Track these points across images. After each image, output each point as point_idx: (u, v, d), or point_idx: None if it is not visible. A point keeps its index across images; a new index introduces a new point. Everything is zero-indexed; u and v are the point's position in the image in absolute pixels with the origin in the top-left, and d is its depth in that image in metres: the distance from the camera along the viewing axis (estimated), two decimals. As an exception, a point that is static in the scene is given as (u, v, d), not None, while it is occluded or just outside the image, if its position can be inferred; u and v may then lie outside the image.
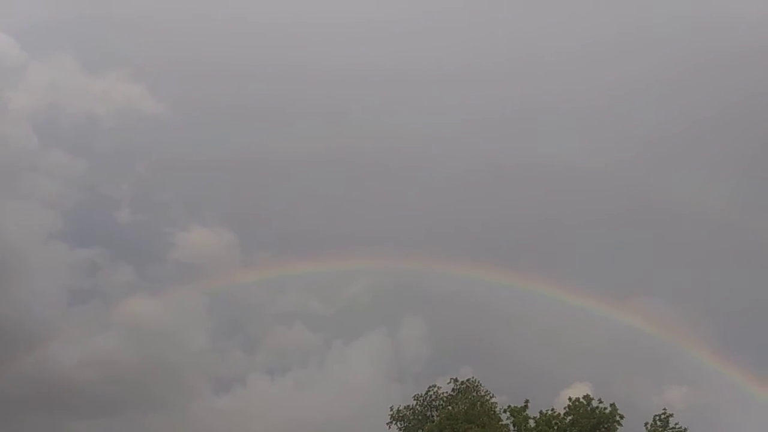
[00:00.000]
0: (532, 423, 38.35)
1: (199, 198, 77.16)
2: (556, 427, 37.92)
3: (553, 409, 38.93)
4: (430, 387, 41.04)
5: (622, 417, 37.82)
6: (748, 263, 69.03)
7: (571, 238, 76.69)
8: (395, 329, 69.28)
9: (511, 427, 38.54)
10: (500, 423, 38.43)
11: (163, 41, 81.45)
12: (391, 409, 40.67)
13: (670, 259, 73.13)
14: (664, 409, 37.98)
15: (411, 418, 39.87)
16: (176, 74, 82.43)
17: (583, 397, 38.79)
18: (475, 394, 39.85)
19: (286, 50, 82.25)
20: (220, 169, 78.05)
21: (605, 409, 37.94)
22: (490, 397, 40.00)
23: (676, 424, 36.91)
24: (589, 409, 38.16)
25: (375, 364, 66.78)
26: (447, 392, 40.37)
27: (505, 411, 38.97)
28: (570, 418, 38.21)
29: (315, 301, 71.69)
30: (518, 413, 38.63)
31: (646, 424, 37.45)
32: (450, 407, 39.25)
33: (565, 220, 77.96)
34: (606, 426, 37.61)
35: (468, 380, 40.55)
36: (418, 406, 40.28)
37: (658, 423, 36.96)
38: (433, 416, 39.77)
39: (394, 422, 40.06)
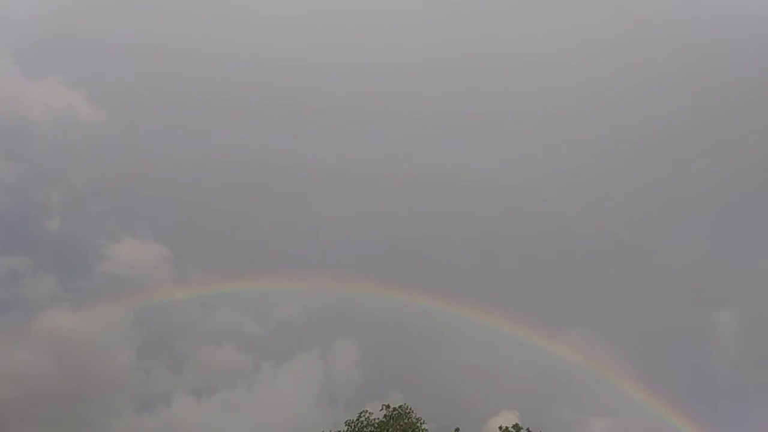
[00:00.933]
0: (462, 450, 38.52)
1: (133, 210, 75.41)
2: (485, 456, 38.13)
3: (483, 437, 39.33)
4: (361, 412, 40.52)
5: (550, 446, 38.29)
6: (675, 296, 71.61)
7: (507, 266, 77.98)
8: (327, 352, 68.79)
9: (441, 455, 38.62)
10: (430, 450, 38.36)
11: (105, 48, 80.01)
12: (322, 434, 40.14)
13: (601, 291, 75.19)
14: (591, 440, 38.43)
15: (340, 443, 39.30)
16: (118, 82, 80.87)
17: (513, 426, 39.07)
18: (406, 420, 39.53)
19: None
20: (158, 181, 76.65)
21: (535, 438, 38.25)
22: (421, 424, 39.75)
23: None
24: (519, 437, 38.38)
25: (305, 387, 65.99)
26: (378, 418, 39.93)
27: (435, 438, 39.02)
28: (500, 447, 38.44)
29: (248, 321, 70.55)
30: (449, 441, 38.84)
31: (573, 454, 37.87)
32: (380, 433, 38.92)
33: (504, 248, 79.43)
34: (533, 455, 37.85)
35: (400, 407, 40.23)
36: (348, 432, 39.74)
37: (585, 454, 37.38)
38: (363, 442, 39.30)
39: (323, 447, 39.42)
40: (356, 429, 39.84)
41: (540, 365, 65.73)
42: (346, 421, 40.58)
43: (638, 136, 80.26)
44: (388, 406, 40.33)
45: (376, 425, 39.70)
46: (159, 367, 66.32)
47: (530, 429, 38.94)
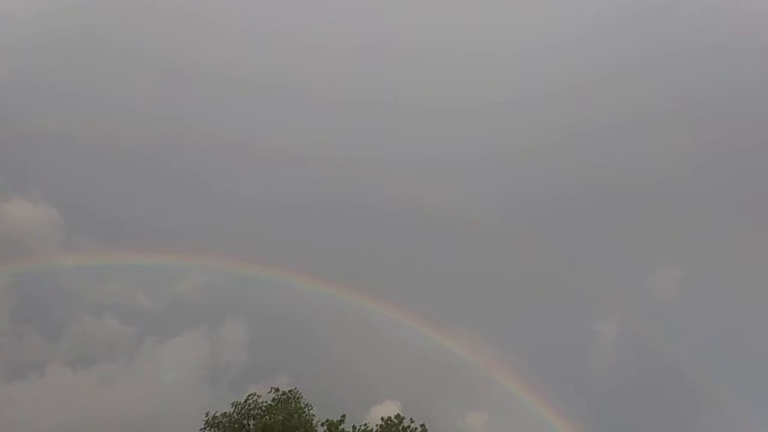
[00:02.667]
0: (345, 438, 38.96)
1: (26, 169, 71.38)
2: (368, 444, 38.72)
3: (366, 425, 39.83)
4: (249, 395, 40.27)
5: (429, 437, 39.23)
6: (562, 304, 75.20)
7: (405, 261, 79.31)
8: (216, 331, 67.91)
9: (326, 441, 38.91)
10: (316, 436, 38.65)
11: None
12: (207, 415, 39.47)
13: (491, 292, 77.92)
14: (471, 434, 39.79)
15: (226, 425, 38.83)
16: (20, 38, 76.31)
17: (395, 417, 39.79)
18: (294, 405, 39.67)
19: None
20: (55, 142, 72.85)
21: (415, 428, 39.07)
22: (309, 410, 39.97)
23: (481, 449, 38.75)
24: (400, 428, 39.17)
25: (189, 364, 64.90)
26: (267, 401, 39.82)
27: (322, 424, 39.28)
28: (381, 436, 39.17)
29: (137, 295, 68.48)
30: (334, 427, 39.14)
31: (453, 448, 39.12)
32: (267, 417, 38.81)
33: (403, 244, 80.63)
34: (415, 446, 38.72)
35: (289, 391, 40.31)
36: (235, 414, 39.34)
37: (464, 447, 38.73)
38: (249, 425, 39.03)
39: (208, 428, 38.88)
40: (243, 411, 39.59)
41: (426, 359, 67.46)
42: (232, 403, 40.21)
43: (552, 137, 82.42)
44: (277, 390, 40.35)
45: (263, 408, 39.58)
46: (33, 335, 63.66)
47: (412, 419, 39.78)
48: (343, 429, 39.49)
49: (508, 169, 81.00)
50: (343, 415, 40.05)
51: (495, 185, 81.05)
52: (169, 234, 71.20)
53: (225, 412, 39.50)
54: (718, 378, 62.06)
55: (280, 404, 39.66)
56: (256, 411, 39.63)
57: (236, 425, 39.08)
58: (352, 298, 64.55)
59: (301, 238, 78.53)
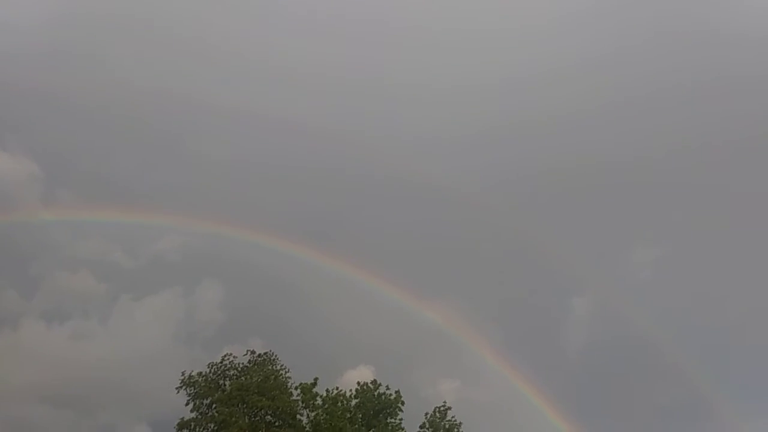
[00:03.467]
0: (319, 401, 39.34)
1: (5, 122, 70.26)
2: (342, 408, 39.14)
3: (338, 388, 40.17)
4: (225, 356, 40.48)
5: (403, 404, 39.65)
6: (540, 279, 76.05)
7: (387, 229, 79.49)
8: (192, 291, 67.90)
9: (300, 403, 39.28)
10: (291, 398, 38.96)
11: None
12: (182, 374, 39.61)
13: (471, 264, 78.45)
14: (444, 401, 40.28)
15: (202, 384, 39.02)
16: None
17: (371, 382, 40.21)
18: (270, 367, 39.93)
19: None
20: (37, 96, 71.53)
21: (390, 395, 39.53)
22: (285, 372, 40.28)
23: (453, 417, 39.28)
24: (375, 393, 39.65)
25: (164, 323, 64.95)
26: (243, 363, 40.03)
27: (296, 388, 39.60)
28: (356, 400, 39.58)
29: (115, 252, 68.09)
30: (308, 390, 39.52)
31: (426, 414, 39.57)
32: (243, 378, 39.06)
33: (386, 212, 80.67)
34: (389, 411, 39.25)
35: (265, 353, 40.54)
36: (211, 374, 39.52)
37: (438, 414, 39.24)
38: (225, 385, 39.31)
39: (184, 387, 39.02)
40: (219, 371, 39.76)
41: (401, 327, 68.00)
42: (209, 363, 40.42)
43: (535, 116, 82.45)
44: (253, 352, 40.62)
45: (239, 369, 39.79)
46: (7, 289, 63.13)
47: (388, 386, 40.14)
48: (317, 392, 40.15)
49: (490, 146, 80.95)
50: (316, 378, 40.48)
51: (478, 161, 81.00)
52: (149, 193, 70.77)
53: (201, 372, 39.66)
54: (691, 355, 63.37)
55: (256, 366, 39.92)
56: (232, 372, 39.86)
57: (212, 385, 39.27)
58: (330, 264, 64.55)
59: (281, 202, 78.41)
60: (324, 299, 70.88)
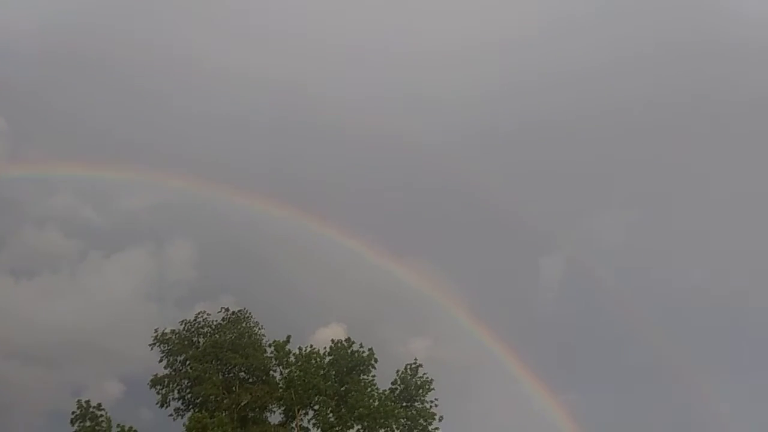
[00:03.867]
0: (293, 358, 39.64)
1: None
2: (315, 365, 39.50)
3: (311, 346, 40.54)
4: (198, 313, 40.55)
5: (376, 361, 40.01)
6: (510, 240, 76.91)
7: (356, 187, 79.39)
8: (163, 248, 67.49)
9: (274, 361, 39.56)
10: (264, 355, 39.20)
11: None
12: (156, 332, 39.58)
13: (445, 226, 78.97)
14: (415, 359, 40.42)
15: (175, 341, 39.10)
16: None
17: (345, 340, 40.45)
18: (244, 324, 40.04)
19: None
20: (3, 48, 69.13)
21: (363, 352, 39.81)
22: (259, 329, 40.43)
23: (424, 374, 39.74)
24: (349, 351, 39.92)
25: (135, 280, 64.62)
26: (217, 320, 40.07)
27: (270, 345, 39.83)
28: (330, 358, 39.91)
29: (85, 208, 67.18)
30: (281, 347, 39.76)
31: (398, 371, 40.04)
32: (217, 335, 39.14)
33: (361, 172, 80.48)
34: (362, 368, 39.61)
35: (239, 311, 40.59)
36: (184, 331, 39.55)
37: (409, 371, 39.75)
38: (198, 342, 39.40)
39: (157, 344, 39.02)
40: (193, 329, 39.78)
41: (373, 285, 68.49)
42: (182, 321, 40.44)
43: (512, 78, 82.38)
44: (227, 310, 40.62)
45: (213, 326, 39.82)
46: (-26, 245, 62.12)
47: (362, 344, 40.50)
48: (290, 350, 40.45)
49: (468, 107, 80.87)
50: (289, 336, 40.76)
51: (455, 120, 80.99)
52: (120, 149, 69.54)
53: (174, 329, 39.70)
54: (657, 316, 65.00)
55: (229, 323, 39.98)
56: (205, 329, 39.94)
57: (185, 342, 39.37)
58: (302, 223, 64.46)
59: (257, 162, 77.72)
60: (296, 258, 70.98)
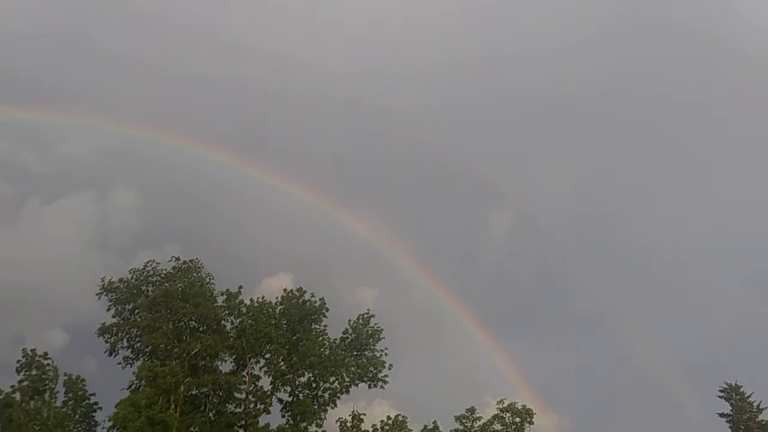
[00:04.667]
0: (244, 308, 39.63)
1: None
2: (267, 314, 39.58)
3: (263, 297, 40.56)
4: (148, 262, 39.79)
5: (327, 310, 40.34)
6: (459, 195, 77.91)
7: (307, 137, 78.62)
8: (105, 195, 65.85)
9: (225, 310, 39.40)
10: (215, 305, 39.01)
11: None
12: (102, 280, 38.84)
13: (393, 178, 79.33)
14: (368, 309, 41.13)
15: (123, 290, 38.42)
16: None
17: (296, 290, 40.60)
18: (195, 275, 39.60)
19: None
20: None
21: (315, 302, 40.08)
22: (210, 279, 40.05)
23: (375, 323, 40.34)
24: (300, 300, 40.14)
25: (76, 227, 62.96)
26: (166, 269, 39.48)
27: (221, 294, 39.62)
28: (281, 307, 40.07)
29: (23, 153, 64.52)
30: (233, 297, 39.64)
31: (349, 320, 40.54)
32: (167, 284, 38.64)
33: (312, 124, 79.63)
34: (313, 317, 39.91)
35: (191, 261, 40.08)
36: (133, 280, 38.87)
37: (361, 321, 40.28)
38: (147, 291, 38.81)
39: (104, 293, 38.32)
40: (142, 277, 39.13)
41: (320, 235, 68.50)
42: (130, 270, 39.72)
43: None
44: (177, 259, 39.99)
45: (163, 276, 39.26)
46: None
47: (313, 294, 40.66)
48: (242, 300, 40.38)
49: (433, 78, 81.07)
50: (241, 286, 40.59)
51: (418, 87, 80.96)
52: (61, 92, 66.73)
53: (122, 278, 38.95)
54: (599, 266, 67.27)
55: (180, 273, 39.46)
56: (154, 278, 39.30)
57: (134, 291, 38.71)
58: (250, 171, 63.53)
59: (203, 107, 75.99)
60: (243, 206, 70.25)
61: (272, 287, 48.20)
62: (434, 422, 37.91)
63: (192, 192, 70.17)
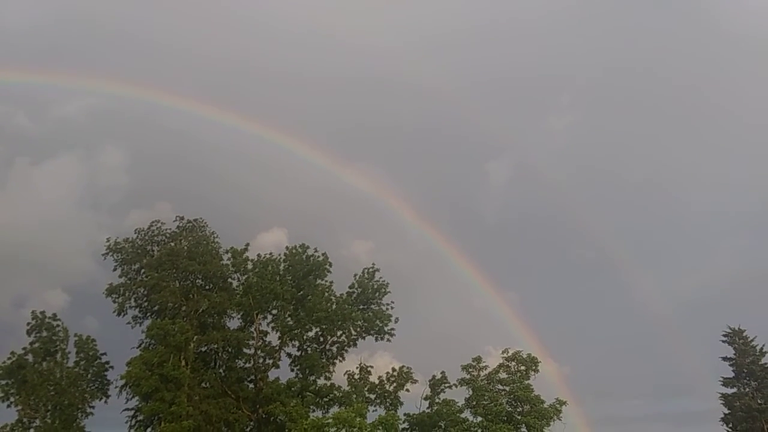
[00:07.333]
0: (250, 265, 39.87)
1: None
2: (272, 271, 39.86)
3: (271, 253, 40.78)
4: (152, 222, 39.78)
5: (331, 265, 40.59)
6: (457, 145, 77.69)
7: (305, 92, 77.74)
8: (94, 154, 65.31)
9: (231, 268, 39.65)
10: (221, 263, 39.20)
11: None
12: (108, 241, 38.90)
13: (391, 132, 78.87)
14: (373, 264, 41.13)
15: (129, 250, 38.47)
16: None
17: (299, 246, 40.80)
18: (201, 233, 39.65)
19: None
20: None
21: (318, 257, 40.37)
22: (215, 238, 40.14)
23: (380, 278, 40.64)
24: (304, 256, 40.42)
25: (66, 187, 62.63)
26: (171, 229, 39.52)
27: (227, 252, 39.78)
28: (285, 264, 40.38)
29: (20, 116, 63.57)
30: (238, 254, 39.82)
31: (355, 275, 40.79)
32: (173, 243, 38.72)
33: (306, 76, 78.61)
34: (317, 273, 40.19)
35: (195, 220, 40.04)
36: (138, 240, 38.90)
37: (366, 275, 40.60)
38: (153, 251, 38.88)
39: (110, 254, 38.35)
40: (147, 237, 39.15)
41: (314, 189, 68.41)
42: (136, 229, 39.74)
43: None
44: (181, 218, 39.95)
45: (168, 235, 39.29)
46: None
47: (316, 249, 40.76)
48: (247, 257, 40.55)
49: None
50: (247, 244, 40.93)
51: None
52: (52, 52, 65.43)
53: (128, 238, 39.00)
54: (600, 215, 67.67)
55: (185, 232, 39.51)
56: (160, 237, 39.35)
57: (140, 251, 38.79)
58: (242, 125, 62.86)
59: (193, 62, 74.84)
60: (232, 161, 70.01)
61: (267, 242, 48.60)
62: (442, 372, 38.65)
63: (182, 147, 69.75)
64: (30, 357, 35.17)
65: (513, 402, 35.55)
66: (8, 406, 34.62)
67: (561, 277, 71.17)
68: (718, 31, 77.27)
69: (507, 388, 36.01)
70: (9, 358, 34.97)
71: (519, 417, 34.93)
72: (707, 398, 40.85)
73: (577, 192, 71.32)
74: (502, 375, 36.69)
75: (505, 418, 34.82)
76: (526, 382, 35.94)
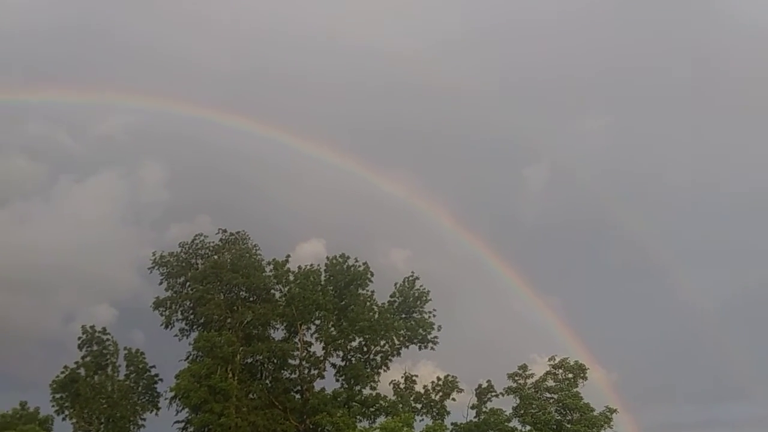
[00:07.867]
0: (291, 277, 40.13)
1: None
2: (313, 281, 40.07)
3: (311, 265, 40.97)
4: (196, 235, 40.36)
5: (372, 275, 40.62)
6: (493, 150, 77.03)
7: (337, 102, 77.89)
8: (135, 170, 66.31)
9: (273, 279, 39.97)
10: (264, 274, 39.55)
11: None
12: (153, 254, 39.59)
13: (426, 137, 78.32)
14: (412, 272, 41.21)
15: (174, 264, 39.07)
16: None
17: (340, 256, 40.95)
18: (243, 245, 40.07)
19: None
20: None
21: (359, 267, 40.44)
22: (257, 251, 40.52)
23: (421, 285, 40.67)
24: (345, 266, 40.55)
25: (109, 204, 63.60)
26: (214, 242, 40.01)
27: (269, 263, 40.11)
28: (327, 274, 40.52)
29: (62, 134, 65.00)
30: (280, 266, 40.15)
31: (396, 284, 40.82)
32: (216, 256, 39.18)
33: (335, 83, 78.91)
34: (359, 282, 40.28)
35: (238, 232, 40.52)
36: (182, 253, 39.48)
37: (407, 284, 40.60)
38: (197, 264, 39.41)
39: (156, 267, 39.00)
40: (191, 251, 39.70)
41: (351, 198, 68.34)
42: (180, 243, 40.30)
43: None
44: (224, 231, 40.43)
45: (211, 248, 39.77)
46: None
47: (357, 258, 40.81)
48: (289, 268, 40.82)
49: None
50: (288, 255, 41.26)
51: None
52: (97, 68, 66.97)
53: (172, 252, 39.60)
54: (640, 217, 66.38)
55: (227, 244, 39.97)
56: (203, 251, 39.86)
57: (184, 264, 39.36)
58: (279, 137, 63.17)
59: (226, 76, 75.63)
60: (272, 173, 70.22)
61: (306, 252, 48.65)
62: (488, 381, 38.46)
63: (221, 164, 70.34)
64: (82, 371, 35.96)
65: (562, 410, 35.27)
66: (63, 419, 35.58)
67: (604, 280, 69.92)
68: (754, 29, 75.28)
69: (555, 396, 35.71)
70: (62, 372, 35.83)
71: (568, 425, 34.61)
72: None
73: (618, 194, 70.15)
74: (550, 383, 36.40)
75: (555, 427, 34.54)
76: (575, 389, 35.59)
